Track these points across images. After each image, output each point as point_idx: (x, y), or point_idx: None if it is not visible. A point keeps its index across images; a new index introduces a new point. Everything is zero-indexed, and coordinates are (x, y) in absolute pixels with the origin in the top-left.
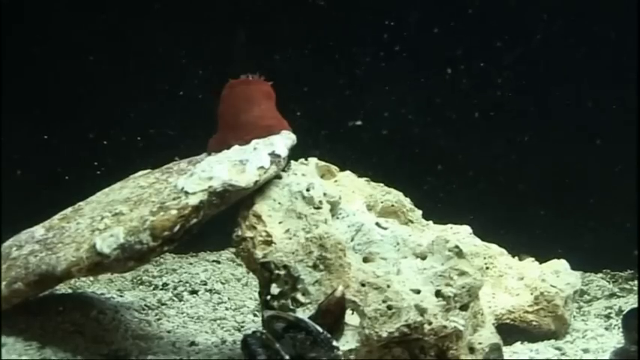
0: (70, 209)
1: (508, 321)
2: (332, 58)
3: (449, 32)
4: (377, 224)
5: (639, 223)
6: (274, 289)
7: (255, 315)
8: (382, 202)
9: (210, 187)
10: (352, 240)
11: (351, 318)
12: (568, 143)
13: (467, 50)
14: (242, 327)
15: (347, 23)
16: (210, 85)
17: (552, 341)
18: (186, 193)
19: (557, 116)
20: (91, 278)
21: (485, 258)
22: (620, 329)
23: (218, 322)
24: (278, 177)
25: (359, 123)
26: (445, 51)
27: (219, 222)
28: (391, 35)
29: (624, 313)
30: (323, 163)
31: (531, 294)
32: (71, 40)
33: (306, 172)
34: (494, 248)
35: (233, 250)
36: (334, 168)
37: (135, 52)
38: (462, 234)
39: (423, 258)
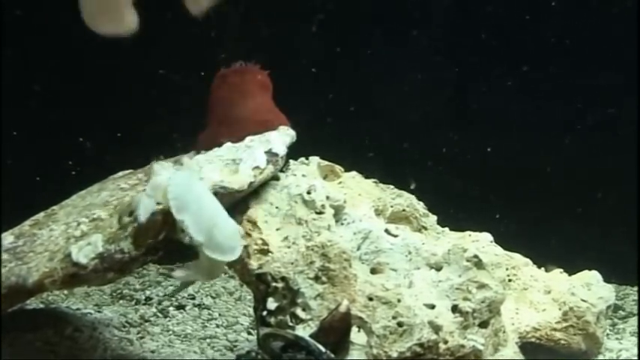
0: (42, 214)
1: (533, 339)
2: (337, 45)
3: (465, 26)
4: (386, 231)
5: (639, 225)
6: (271, 304)
7: (249, 333)
8: (392, 207)
9: None
10: (358, 249)
11: (357, 336)
12: (602, 143)
13: (487, 48)
14: (235, 346)
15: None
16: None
17: None
18: None
19: (583, 117)
20: (66, 292)
21: (507, 269)
22: None
23: (208, 340)
24: (275, 178)
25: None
26: (462, 46)
27: None
28: (405, 25)
29: None
30: (326, 162)
31: (559, 309)
32: (41, 31)
33: (307, 172)
34: (518, 258)
35: None
36: (338, 168)
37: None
38: (481, 242)
39: (438, 269)
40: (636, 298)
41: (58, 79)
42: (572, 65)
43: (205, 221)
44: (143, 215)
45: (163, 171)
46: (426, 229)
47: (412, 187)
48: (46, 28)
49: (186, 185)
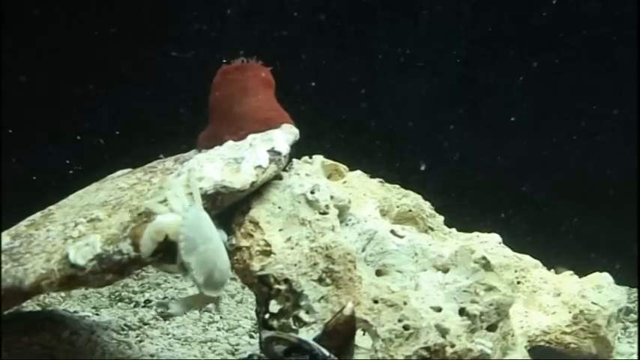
0: (39, 214)
1: (543, 343)
2: (343, 39)
3: (478, 21)
4: (392, 232)
5: (639, 224)
6: (274, 307)
7: (251, 336)
8: (398, 207)
9: (200, 188)
10: (363, 250)
11: (362, 339)
12: (612, 143)
13: (500, 45)
14: (236, 350)
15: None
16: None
17: None
18: None
19: (599, 115)
20: (63, 294)
21: (516, 271)
22: None
23: (209, 344)
24: (278, 177)
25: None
26: (475, 40)
27: None
28: (411, 19)
29: None
30: (330, 161)
31: (569, 312)
32: (38, 27)
33: (311, 171)
34: (527, 260)
35: None
36: (343, 167)
37: (110, 32)
38: (490, 243)
39: (445, 271)
40: None
41: (56, 77)
42: (583, 63)
43: (208, 263)
44: (145, 254)
45: (174, 201)
46: (432, 229)
47: (422, 168)
48: (43, 25)
49: (197, 226)
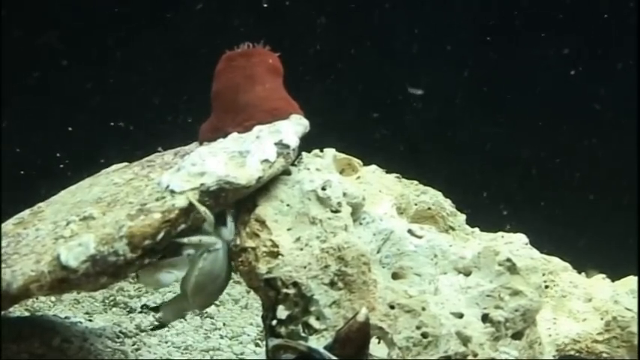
0: (27, 212)
1: (572, 352)
2: (357, 22)
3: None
4: (409, 232)
5: (639, 223)
6: (281, 313)
7: (257, 345)
8: (416, 204)
9: (201, 184)
10: (379, 251)
11: (377, 348)
12: None
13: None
14: None
15: None
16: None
17: None
18: (172, 192)
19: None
20: (53, 298)
21: (544, 274)
22: None
23: (211, 353)
24: (286, 172)
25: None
26: (501, 25)
27: None
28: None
29: None
30: (343, 155)
31: (601, 319)
32: (28, 14)
33: (322, 166)
34: (556, 262)
35: None
36: (356, 161)
37: (105, 18)
38: (515, 244)
39: (467, 274)
40: None
41: (46, 64)
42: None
43: (208, 300)
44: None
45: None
46: (453, 229)
47: (420, 92)
48: (33, 12)
49: (209, 271)
